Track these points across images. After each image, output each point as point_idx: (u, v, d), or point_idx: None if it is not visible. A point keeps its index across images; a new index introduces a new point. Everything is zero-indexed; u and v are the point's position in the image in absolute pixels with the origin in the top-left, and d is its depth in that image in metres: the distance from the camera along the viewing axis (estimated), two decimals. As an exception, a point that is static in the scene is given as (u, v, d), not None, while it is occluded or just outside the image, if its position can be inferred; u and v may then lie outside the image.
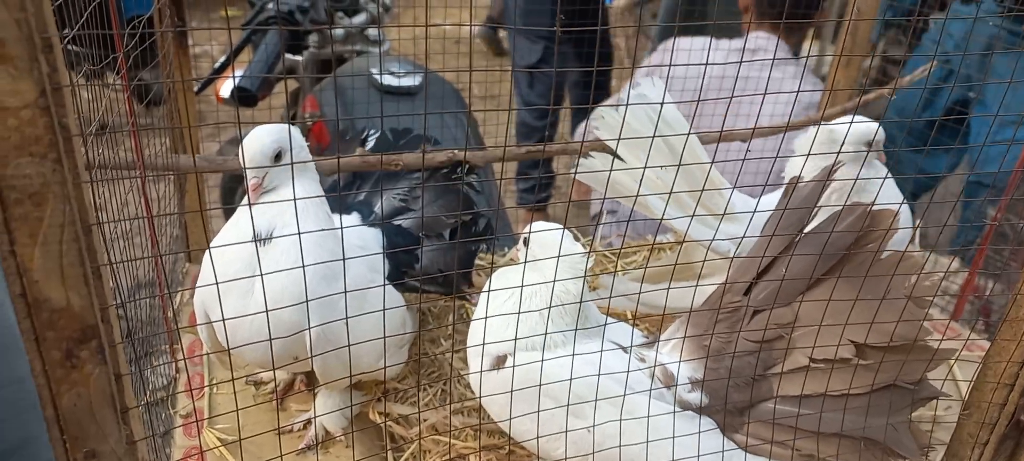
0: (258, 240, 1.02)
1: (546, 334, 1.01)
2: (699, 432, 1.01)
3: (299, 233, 0.81)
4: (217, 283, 0.95)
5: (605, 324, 1.10)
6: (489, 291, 1.02)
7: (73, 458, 0.68)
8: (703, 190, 1.17)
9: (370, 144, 1.41)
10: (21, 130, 0.58)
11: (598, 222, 1.54)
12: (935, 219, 1.68)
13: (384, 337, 0.92)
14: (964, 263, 1.70)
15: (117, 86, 1.04)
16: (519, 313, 1.00)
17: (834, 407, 1.00)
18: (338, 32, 2.57)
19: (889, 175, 1.22)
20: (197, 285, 1.10)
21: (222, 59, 2.50)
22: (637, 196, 1.08)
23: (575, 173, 1.05)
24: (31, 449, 1.20)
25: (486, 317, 1.02)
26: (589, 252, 1.06)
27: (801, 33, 2.42)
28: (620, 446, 0.99)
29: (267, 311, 0.85)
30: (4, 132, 0.57)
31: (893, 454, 1.01)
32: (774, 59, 2.06)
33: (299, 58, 2.58)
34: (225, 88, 2.51)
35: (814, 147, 1.18)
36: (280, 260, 1.00)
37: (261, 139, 1.03)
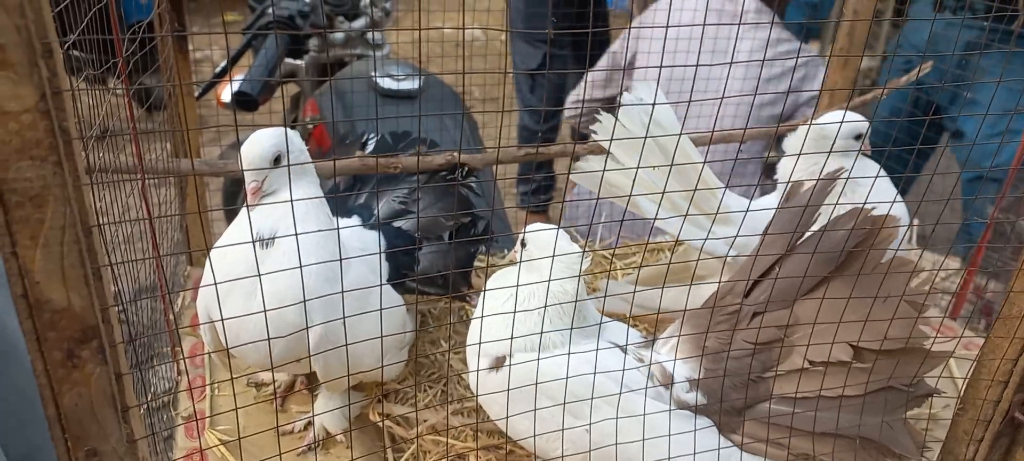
0: (260, 242, 1.04)
1: (542, 333, 1.02)
2: (695, 430, 1.02)
3: (296, 234, 0.82)
4: (216, 284, 0.96)
5: (601, 323, 1.10)
6: (485, 291, 1.03)
7: (74, 457, 0.69)
8: (695, 190, 1.17)
9: (370, 148, 1.42)
10: (22, 134, 0.59)
11: (591, 222, 1.55)
12: (932, 216, 1.68)
13: (381, 337, 0.92)
14: (964, 262, 1.70)
15: (118, 91, 1.05)
16: (515, 312, 1.01)
17: (830, 406, 1.01)
18: (338, 36, 2.59)
19: (883, 173, 1.23)
20: (200, 286, 1.11)
21: (223, 64, 2.52)
22: (630, 196, 1.09)
23: (569, 173, 1.05)
24: (38, 458, 1.21)
25: (482, 316, 1.03)
26: (584, 251, 1.07)
27: None
28: (617, 444, 1.00)
29: (266, 311, 0.86)
30: (5, 136, 0.58)
31: (889, 452, 1.02)
32: (741, 21, 2.06)
33: (300, 62, 2.60)
34: (226, 92, 2.52)
35: (805, 146, 1.19)
36: (282, 262, 1.01)
37: (260, 143, 1.04)
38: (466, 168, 1.37)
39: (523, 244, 1.09)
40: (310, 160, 1.12)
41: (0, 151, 0.58)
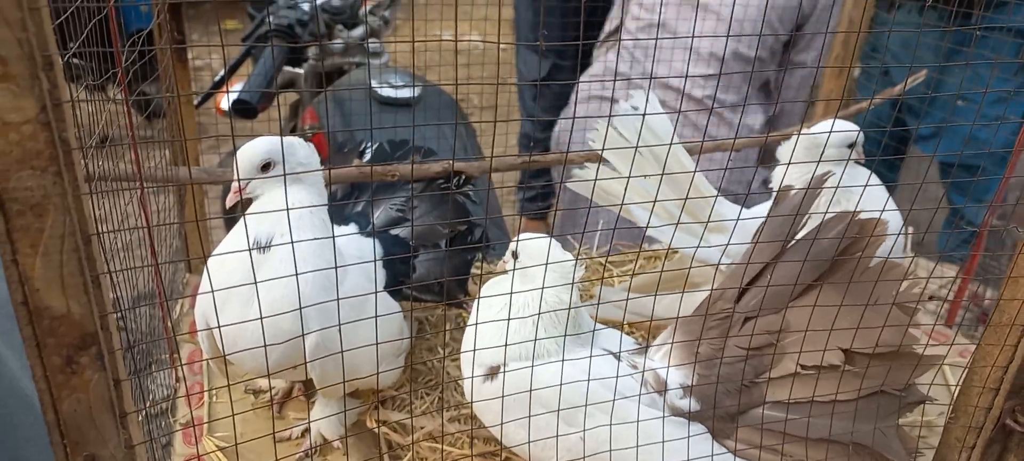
0: (257, 249, 1.05)
1: (536, 340, 1.03)
2: (689, 437, 1.03)
3: (292, 242, 0.83)
4: (213, 292, 0.97)
5: (594, 330, 1.11)
6: (479, 298, 1.03)
7: (73, 463, 0.70)
8: (687, 198, 1.18)
9: (367, 156, 1.43)
10: (23, 145, 0.60)
11: (585, 230, 1.56)
12: (920, 223, 1.70)
13: (376, 344, 0.93)
14: (960, 270, 1.71)
15: (118, 100, 1.06)
16: (509, 319, 1.02)
17: (823, 412, 1.02)
18: (337, 45, 2.60)
19: (878, 180, 1.24)
20: (198, 293, 1.12)
21: (222, 72, 2.53)
22: (622, 204, 1.10)
23: (562, 182, 1.07)
24: None
25: (477, 323, 1.04)
26: (577, 258, 1.08)
27: None
28: (611, 451, 1.01)
29: (262, 319, 0.87)
30: (6, 147, 0.60)
31: (882, 459, 1.03)
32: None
33: (299, 71, 2.61)
34: (225, 101, 2.53)
35: (796, 154, 1.20)
36: (278, 269, 1.02)
37: (251, 149, 1.07)
38: (463, 176, 1.38)
39: (515, 256, 1.10)
40: (308, 169, 1.13)
41: (1, 161, 0.60)
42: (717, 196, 1.28)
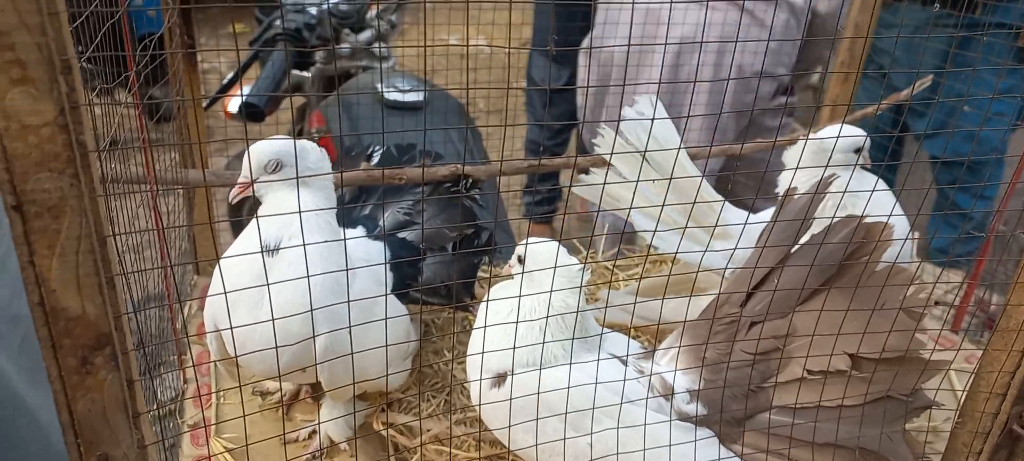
0: (266, 251, 1.05)
1: (544, 343, 1.03)
2: (696, 441, 1.03)
3: (304, 244, 0.84)
4: (226, 293, 0.98)
5: (602, 334, 1.12)
6: (488, 300, 1.04)
7: (87, 462, 0.71)
8: (694, 203, 1.19)
9: (375, 159, 1.44)
10: (41, 147, 0.61)
11: (593, 235, 1.56)
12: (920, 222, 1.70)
13: (386, 345, 0.94)
14: (966, 275, 1.71)
15: (129, 103, 1.07)
16: (517, 322, 1.02)
17: (829, 417, 1.02)
18: (344, 49, 2.61)
19: (885, 186, 1.24)
20: (208, 295, 1.13)
21: (230, 75, 2.54)
22: (631, 208, 1.11)
23: (570, 186, 1.07)
24: None
25: (485, 326, 1.04)
26: (585, 264, 1.08)
27: None
28: (618, 455, 1.01)
29: (273, 320, 0.87)
30: (25, 149, 0.60)
31: (888, 463, 1.03)
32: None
33: (306, 74, 2.62)
34: (233, 104, 2.55)
35: (804, 160, 1.20)
36: (287, 272, 1.03)
37: (259, 150, 1.08)
38: (470, 180, 1.39)
39: (520, 260, 1.10)
40: (315, 173, 1.14)
41: (20, 163, 0.60)
42: (723, 202, 1.28)
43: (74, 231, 0.64)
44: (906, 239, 1.18)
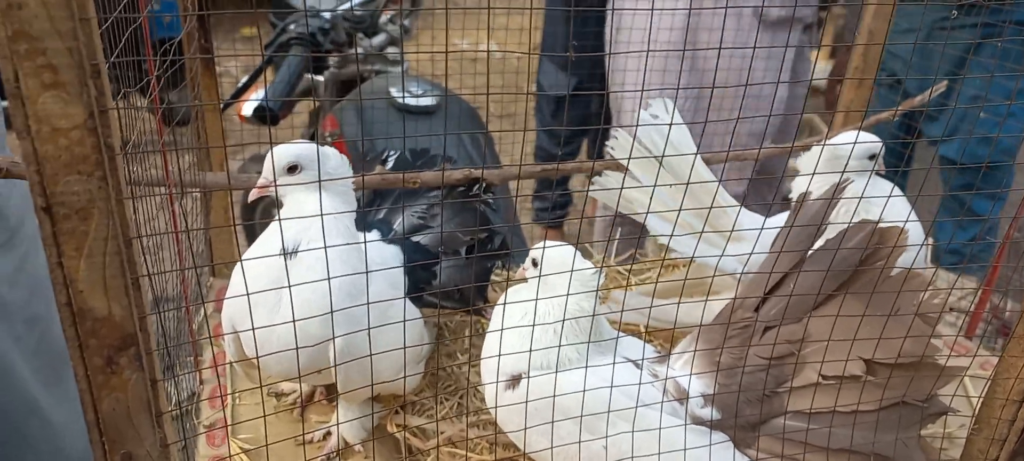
0: (285, 254, 1.07)
1: (560, 346, 1.04)
2: (711, 445, 1.03)
3: (324, 247, 0.85)
4: (248, 295, 0.99)
5: (618, 338, 1.12)
6: (505, 304, 1.04)
7: (111, 460, 0.72)
8: (711, 208, 1.19)
9: (390, 164, 1.45)
10: (71, 150, 0.62)
11: (610, 238, 1.57)
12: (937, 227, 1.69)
13: (405, 348, 0.95)
14: (980, 282, 1.70)
15: (149, 107, 1.08)
16: (533, 325, 1.03)
17: (844, 423, 1.02)
18: (359, 52, 2.63)
19: (899, 191, 1.24)
20: (226, 297, 1.14)
21: (244, 79, 2.56)
22: (648, 212, 1.11)
23: (588, 191, 1.08)
24: None
25: (502, 328, 1.05)
26: (601, 268, 1.09)
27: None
28: (632, 458, 1.02)
29: (294, 322, 0.89)
30: (55, 152, 0.62)
31: (903, 470, 1.03)
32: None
33: (320, 78, 2.64)
34: (247, 107, 2.57)
35: (819, 165, 1.21)
36: (305, 275, 1.04)
37: (279, 152, 1.09)
38: (484, 184, 1.40)
39: (535, 264, 1.11)
40: (334, 177, 1.15)
41: (50, 166, 0.62)
42: (739, 207, 1.28)
43: (101, 233, 0.65)
44: (921, 245, 1.18)
